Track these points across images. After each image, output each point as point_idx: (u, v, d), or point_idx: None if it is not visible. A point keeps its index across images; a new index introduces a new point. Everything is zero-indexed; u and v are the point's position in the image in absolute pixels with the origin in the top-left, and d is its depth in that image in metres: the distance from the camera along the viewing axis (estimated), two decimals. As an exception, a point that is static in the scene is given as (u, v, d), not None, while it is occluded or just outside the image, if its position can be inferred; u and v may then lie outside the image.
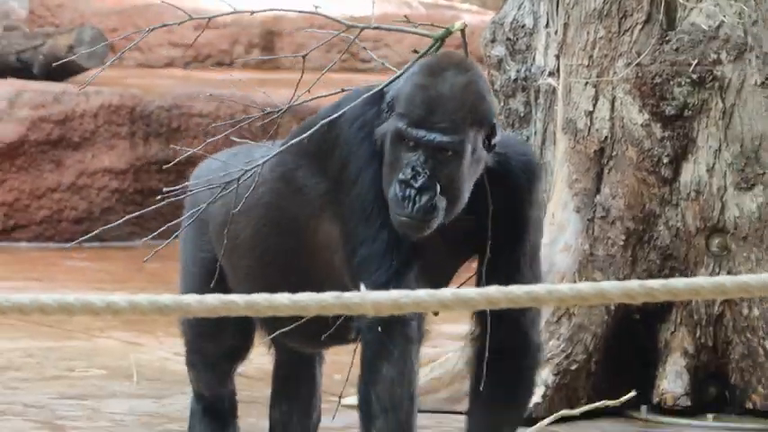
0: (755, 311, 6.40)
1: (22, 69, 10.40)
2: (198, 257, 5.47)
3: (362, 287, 4.38)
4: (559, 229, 6.48)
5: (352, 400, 6.48)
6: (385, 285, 4.65)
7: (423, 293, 3.57)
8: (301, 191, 4.97)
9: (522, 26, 6.62)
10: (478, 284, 4.97)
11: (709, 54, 6.32)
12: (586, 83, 6.35)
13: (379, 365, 4.79)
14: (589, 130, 6.32)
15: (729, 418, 6.41)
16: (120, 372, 7.03)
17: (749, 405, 6.40)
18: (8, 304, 3.38)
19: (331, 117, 4.94)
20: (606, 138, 6.36)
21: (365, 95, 4.98)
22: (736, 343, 6.41)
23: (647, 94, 6.31)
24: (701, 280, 3.76)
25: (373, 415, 4.80)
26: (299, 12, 6.37)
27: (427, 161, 4.72)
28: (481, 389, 4.93)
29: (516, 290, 3.75)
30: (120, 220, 6.42)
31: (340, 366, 7.20)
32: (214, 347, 5.46)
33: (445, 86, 4.84)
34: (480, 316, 4.95)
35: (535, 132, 6.60)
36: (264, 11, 6.47)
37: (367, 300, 3.71)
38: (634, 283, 3.74)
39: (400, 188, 4.70)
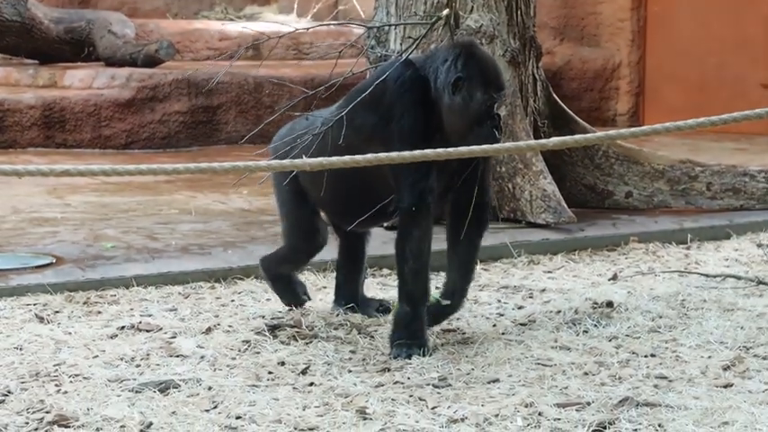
0: (503, 168, 6.43)
1: (131, 62, 10.29)
2: (287, 183, 4.68)
3: None
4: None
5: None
6: (418, 183, 4.23)
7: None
8: (358, 128, 4.39)
9: (383, 29, 6.56)
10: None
11: (477, 40, 6.32)
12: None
13: (411, 229, 4.28)
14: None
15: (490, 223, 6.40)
16: (185, 211, 6.97)
17: (501, 216, 6.43)
18: (122, 169, 3.36)
19: (381, 77, 4.36)
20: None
21: (399, 63, 4.40)
22: (495, 185, 6.42)
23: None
24: (476, 148, 3.78)
25: (406, 258, 4.29)
26: (327, 24, 6.12)
27: (498, 108, 4.29)
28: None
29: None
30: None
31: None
32: (307, 246, 4.84)
33: (492, 60, 4.43)
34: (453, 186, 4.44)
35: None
36: (299, 29, 6.09)
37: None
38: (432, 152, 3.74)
39: (493, 130, 4.21)
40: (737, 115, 3.30)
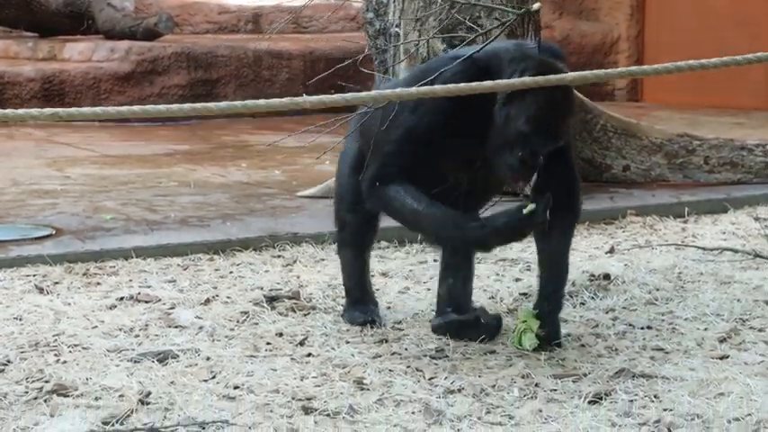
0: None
1: (131, 36, 10.29)
2: (354, 151, 4.26)
3: None
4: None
5: (304, 192, 6.52)
6: (393, 155, 3.83)
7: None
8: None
9: (381, 1, 6.54)
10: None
11: (474, 14, 6.26)
12: (414, 29, 6.28)
13: (389, 192, 3.80)
14: (417, 53, 6.23)
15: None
16: (184, 183, 6.96)
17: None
18: (114, 111, 3.28)
19: (436, 73, 3.81)
20: (425, 57, 6.18)
21: (459, 62, 3.80)
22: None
23: (444, 35, 6.24)
24: (489, 82, 3.72)
25: (398, 210, 3.83)
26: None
27: (539, 152, 3.70)
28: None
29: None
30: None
31: (296, 174, 7.24)
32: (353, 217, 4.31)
33: (558, 105, 3.71)
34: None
35: (390, 55, 6.52)
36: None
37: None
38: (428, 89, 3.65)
39: (519, 163, 3.69)
40: (740, 59, 3.29)
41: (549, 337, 4.01)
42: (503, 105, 3.72)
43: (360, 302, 4.41)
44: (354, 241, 4.39)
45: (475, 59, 3.85)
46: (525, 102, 3.67)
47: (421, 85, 3.72)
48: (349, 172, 4.30)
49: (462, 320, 4.19)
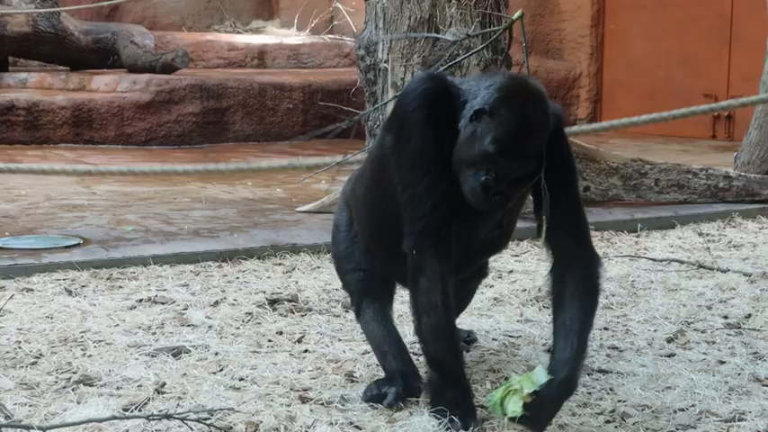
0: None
1: (151, 69, 10.27)
2: (344, 215, 3.68)
3: None
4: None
5: (303, 207, 6.52)
6: (421, 220, 3.11)
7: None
8: (384, 149, 3.28)
9: (372, 40, 6.55)
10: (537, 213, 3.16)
11: (453, 51, 6.27)
12: (401, 65, 6.29)
13: (417, 277, 3.14)
14: (402, 85, 6.24)
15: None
16: (196, 200, 6.95)
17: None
18: (126, 169, 3.30)
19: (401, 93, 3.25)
20: (410, 90, 6.26)
21: (422, 75, 3.17)
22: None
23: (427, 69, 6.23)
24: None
25: (419, 314, 3.17)
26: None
27: (507, 177, 3.03)
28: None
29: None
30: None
31: (295, 191, 7.22)
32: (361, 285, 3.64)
33: (528, 122, 3.02)
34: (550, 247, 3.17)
35: (379, 88, 6.52)
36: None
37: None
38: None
39: (481, 188, 3.01)
40: (676, 113, 3.35)
41: (536, 423, 3.11)
42: (469, 121, 3.07)
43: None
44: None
45: (443, 76, 3.27)
46: (494, 120, 3.02)
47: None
48: (347, 244, 3.65)
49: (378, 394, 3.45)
